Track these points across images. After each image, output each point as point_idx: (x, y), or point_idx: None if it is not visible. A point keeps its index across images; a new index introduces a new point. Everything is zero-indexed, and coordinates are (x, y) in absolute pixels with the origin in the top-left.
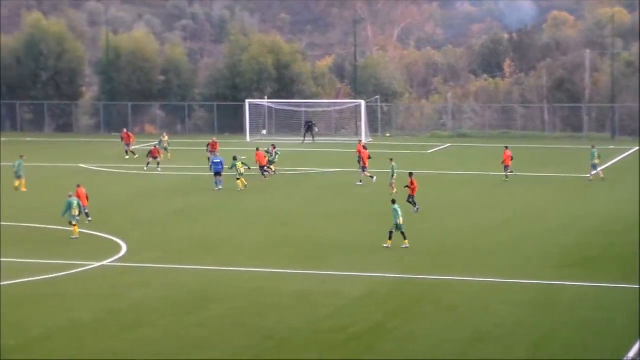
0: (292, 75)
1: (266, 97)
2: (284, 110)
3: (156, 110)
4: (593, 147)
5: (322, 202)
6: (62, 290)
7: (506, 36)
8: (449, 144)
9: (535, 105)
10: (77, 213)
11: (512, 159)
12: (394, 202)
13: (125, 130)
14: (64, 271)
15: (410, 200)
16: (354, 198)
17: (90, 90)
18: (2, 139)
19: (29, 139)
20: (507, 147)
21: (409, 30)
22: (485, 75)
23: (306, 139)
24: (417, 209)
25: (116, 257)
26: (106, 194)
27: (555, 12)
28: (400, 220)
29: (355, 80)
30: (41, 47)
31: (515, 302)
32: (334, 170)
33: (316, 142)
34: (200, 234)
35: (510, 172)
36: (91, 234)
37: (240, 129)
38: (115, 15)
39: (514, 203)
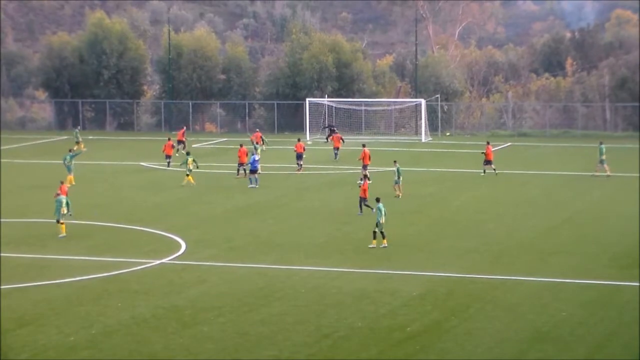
0: (352, 74)
1: (326, 96)
2: (344, 109)
3: (217, 109)
4: (601, 143)
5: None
6: (123, 287)
7: (568, 35)
8: (509, 143)
9: (597, 104)
10: (65, 212)
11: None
12: (378, 200)
13: (184, 128)
14: (125, 269)
15: (366, 203)
16: (416, 197)
17: (152, 88)
18: (64, 136)
19: (90, 137)
20: (488, 143)
21: (470, 28)
22: (546, 74)
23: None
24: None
25: (175, 255)
26: (165, 191)
27: (618, 10)
28: (383, 220)
29: (416, 79)
30: (104, 45)
31: (575, 302)
32: (392, 169)
33: (373, 140)
34: (258, 232)
35: (493, 170)
36: (151, 232)
37: (301, 128)
38: (177, 13)
39: (575, 202)
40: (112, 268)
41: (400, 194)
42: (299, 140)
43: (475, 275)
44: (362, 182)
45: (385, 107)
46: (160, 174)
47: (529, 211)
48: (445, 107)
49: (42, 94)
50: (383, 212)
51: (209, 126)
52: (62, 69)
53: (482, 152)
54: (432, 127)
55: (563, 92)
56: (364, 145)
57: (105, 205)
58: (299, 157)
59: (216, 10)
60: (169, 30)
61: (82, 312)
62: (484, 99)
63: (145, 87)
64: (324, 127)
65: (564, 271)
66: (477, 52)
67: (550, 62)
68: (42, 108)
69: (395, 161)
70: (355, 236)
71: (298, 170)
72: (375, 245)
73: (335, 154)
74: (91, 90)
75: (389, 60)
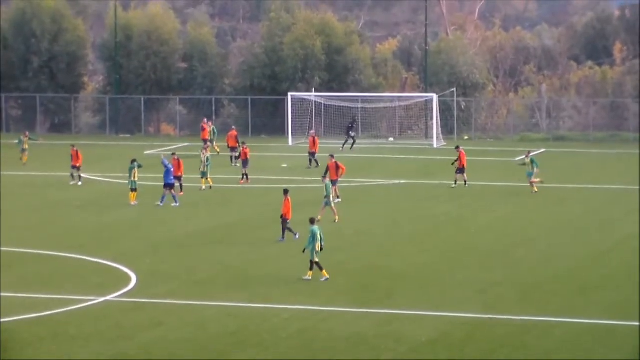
0: (346, 62)
1: (313, 90)
2: (336, 106)
3: (176, 106)
4: (528, 152)
5: (384, 223)
6: (58, 331)
7: (617, 12)
8: (543, 149)
9: None
10: None
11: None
12: (312, 222)
13: (205, 121)
14: (60, 308)
15: (287, 225)
16: (426, 218)
17: (94, 80)
18: None
19: (16, 140)
20: (458, 147)
21: (494, 5)
22: (589, 62)
23: (347, 143)
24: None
25: (124, 291)
26: (111, 210)
27: None
28: (318, 246)
29: (426, 68)
30: (33, 25)
31: (626, 348)
32: (398, 181)
33: (373, 145)
34: (229, 261)
35: (464, 180)
36: (94, 261)
37: (281, 130)
38: None
39: (626, 223)
40: (44, 307)
41: (337, 218)
42: (243, 143)
43: (500, 315)
44: (339, 200)
45: (388, 104)
46: (104, 188)
47: (567, 235)
48: (463, 104)
49: None
50: (318, 237)
51: (165, 127)
52: None
53: (455, 160)
54: (447, 129)
55: (610, 84)
56: (332, 156)
57: (36, 227)
58: (245, 164)
59: None
60: (116, 7)
61: None
62: (511, 94)
63: (85, 79)
64: (350, 126)
65: (612, 310)
66: (503, 35)
67: (595, 47)
68: None
69: (324, 176)
70: (348, 266)
71: (242, 181)
72: (310, 277)
73: (311, 160)
74: (17, 83)
75: (392, 44)
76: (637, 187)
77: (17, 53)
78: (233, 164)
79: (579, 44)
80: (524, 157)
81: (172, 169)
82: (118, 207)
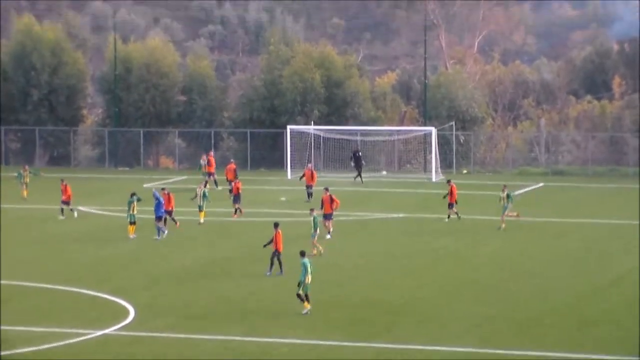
0: (345, 95)
1: (312, 123)
2: (335, 139)
3: (175, 139)
4: (504, 187)
5: (382, 257)
6: None
7: (616, 47)
8: (541, 183)
9: None
10: None
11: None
12: (302, 254)
13: (209, 153)
14: (58, 341)
15: (280, 259)
16: (425, 252)
17: (93, 113)
18: None
19: (15, 173)
20: (449, 181)
21: (493, 39)
22: (588, 97)
23: (357, 175)
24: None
25: (122, 324)
26: (110, 243)
27: None
28: (309, 279)
29: (425, 101)
30: (33, 58)
31: None
32: (397, 215)
33: (371, 179)
34: (227, 294)
35: (455, 214)
36: (92, 294)
37: (280, 163)
38: (126, 18)
39: (625, 258)
40: (42, 340)
41: (321, 250)
42: (235, 178)
43: (497, 349)
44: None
45: (387, 137)
46: (103, 221)
47: (566, 269)
48: (462, 138)
49: None
50: (309, 270)
51: (164, 160)
52: None
53: (446, 194)
54: (445, 163)
55: (609, 119)
56: (326, 190)
57: (34, 260)
58: (236, 199)
59: (174, 14)
60: (115, 40)
61: None
62: (510, 128)
63: (84, 112)
64: (353, 156)
65: (610, 345)
66: (502, 69)
67: (594, 81)
68: None
69: (312, 209)
70: (347, 300)
71: (235, 215)
72: (308, 310)
73: (309, 194)
74: (17, 115)
75: (391, 78)
76: (637, 222)
77: (16, 86)
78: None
79: (577, 78)
80: (501, 192)
81: (163, 202)
82: (117, 240)
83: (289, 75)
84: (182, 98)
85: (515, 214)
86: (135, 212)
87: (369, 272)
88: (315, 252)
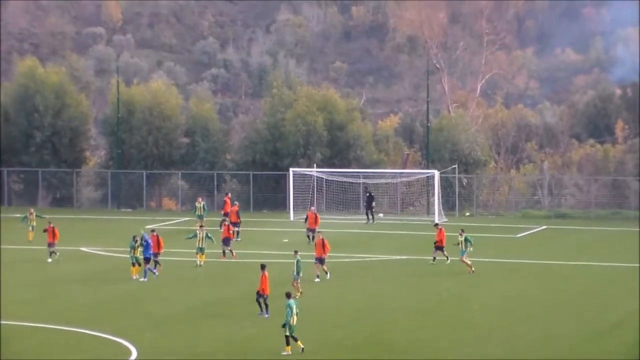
0: (347, 139)
1: (315, 165)
2: (337, 182)
3: (177, 181)
4: (461, 231)
5: (386, 298)
6: None
7: (618, 91)
8: (544, 226)
9: None
10: None
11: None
12: (288, 296)
13: (230, 195)
14: None
15: (266, 301)
16: (427, 294)
17: (96, 155)
18: None
19: (17, 214)
20: (437, 225)
21: (496, 82)
22: (591, 141)
23: (369, 217)
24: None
25: None
26: (112, 284)
27: None
28: (294, 320)
29: (427, 144)
30: (36, 100)
31: None
32: (399, 257)
33: (376, 221)
34: (230, 336)
35: (445, 257)
36: (94, 334)
37: (283, 205)
38: (129, 62)
39: (628, 301)
40: None
41: (300, 293)
42: (224, 221)
43: None
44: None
45: (390, 180)
46: (106, 262)
47: (568, 313)
48: (465, 181)
49: None
50: (294, 312)
51: (167, 202)
52: None
53: (437, 241)
54: (448, 206)
55: (612, 163)
56: (318, 233)
57: (36, 300)
58: (226, 242)
59: (177, 57)
60: (118, 83)
61: None
62: (512, 171)
63: (87, 154)
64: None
65: None
66: (505, 112)
67: (596, 125)
68: None
69: (296, 251)
70: (349, 341)
71: (230, 255)
72: (289, 352)
73: (310, 237)
74: (19, 157)
75: (393, 121)
76: (638, 265)
77: (19, 127)
78: (236, 239)
79: (580, 122)
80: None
81: (152, 244)
82: (119, 281)
83: (291, 118)
84: (185, 140)
85: (468, 262)
86: (137, 253)
87: (372, 313)
88: (299, 293)
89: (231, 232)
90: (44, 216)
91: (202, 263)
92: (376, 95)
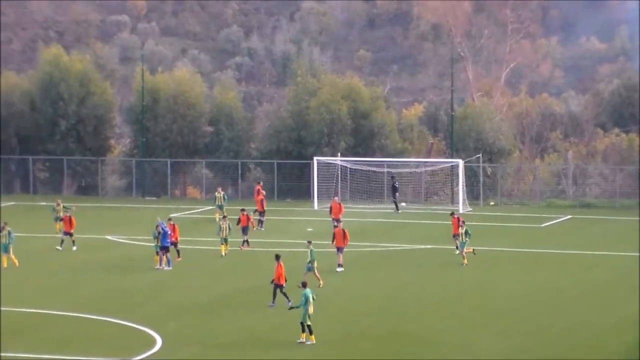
0: (372, 127)
1: (339, 154)
2: (361, 171)
3: (202, 169)
4: (462, 222)
5: (410, 287)
6: None
7: None
8: (569, 216)
9: None
10: None
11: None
12: (304, 285)
13: (262, 184)
14: None
15: (283, 291)
16: (453, 284)
17: (120, 143)
18: (10, 202)
19: (43, 202)
20: (452, 214)
21: (521, 71)
22: (616, 130)
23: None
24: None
25: (149, 353)
26: (137, 273)
27: None
28: (311, 310)
29: (452, 133)
30: (61, 89)
31: None
32: (424, 247)
33: (400, 211)
34: (254, 325)
35: (455, 247)
36: (119, 323)
37: (307, 194)
38: (153, 49)
39: None
40: None
41: (320, 282)
42: (243, 210)
43: None
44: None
45: (414, 169)
46: (130, 250)
47: (593, 303)
48: (489, 170)
49: None
50: (310, 301)
51: (191, 191)
52: (9, 117)
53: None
54: (472, 195)
55: (637, 152)
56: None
57: (61, 289)
58: (244, 231)
59: (202, 46)
60: (143, 71)
61: None
62: (537, 160)
63: (112, 142)
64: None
65: None
66: (529, 101)
67: (622, 114)
68: None
69: (309, 242)
70: (374, 331)
71: (242, 246)
72: (304, 340)
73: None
74: (44, 145)
75: (418, 110)
76: None
77: (44, 116)
78: (260, 228)
79: (605, 111)
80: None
81: (169, 233)
82: (143, 269)
83: (315, 107)
84: (209, 129)
85: (470, 249)
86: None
87: (397, 303)
88: (321, 282)
89: (251, 221)
90: (71, 207)
91: (226, 253)
92: (400, 83)
